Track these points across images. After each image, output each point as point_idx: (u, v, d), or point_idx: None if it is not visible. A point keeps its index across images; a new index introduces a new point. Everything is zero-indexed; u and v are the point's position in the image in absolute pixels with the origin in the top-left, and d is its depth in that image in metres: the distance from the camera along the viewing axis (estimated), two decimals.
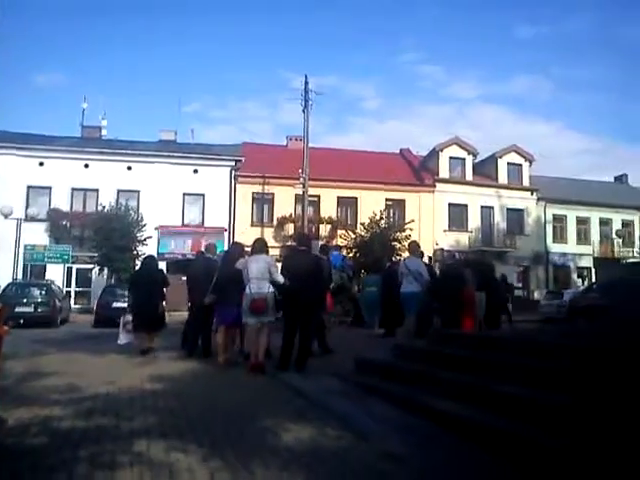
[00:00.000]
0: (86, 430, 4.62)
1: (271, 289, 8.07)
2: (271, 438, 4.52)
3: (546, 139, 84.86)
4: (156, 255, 28.78)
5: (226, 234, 31.16)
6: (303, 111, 29.03)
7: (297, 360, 8.01)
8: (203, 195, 31.95)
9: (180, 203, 31.67)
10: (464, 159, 36.34)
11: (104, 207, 28.22)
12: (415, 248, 11.38)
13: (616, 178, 45.27)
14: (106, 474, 3.57)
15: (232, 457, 3.95)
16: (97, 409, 5.43)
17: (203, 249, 11.14)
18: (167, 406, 5.72)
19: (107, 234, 26.52)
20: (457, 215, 35.29)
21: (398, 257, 27.05)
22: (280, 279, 8.08)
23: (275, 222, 32.34)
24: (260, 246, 8.58)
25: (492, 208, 36.01)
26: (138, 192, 30.96)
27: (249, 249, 9.85)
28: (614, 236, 36.29)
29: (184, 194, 31.68)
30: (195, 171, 32.04)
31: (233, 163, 32.48)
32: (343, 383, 7.03)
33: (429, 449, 4.23)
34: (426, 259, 14.30)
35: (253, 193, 32.52)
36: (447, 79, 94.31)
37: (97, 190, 30.51)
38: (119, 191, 30.52)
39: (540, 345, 5.59)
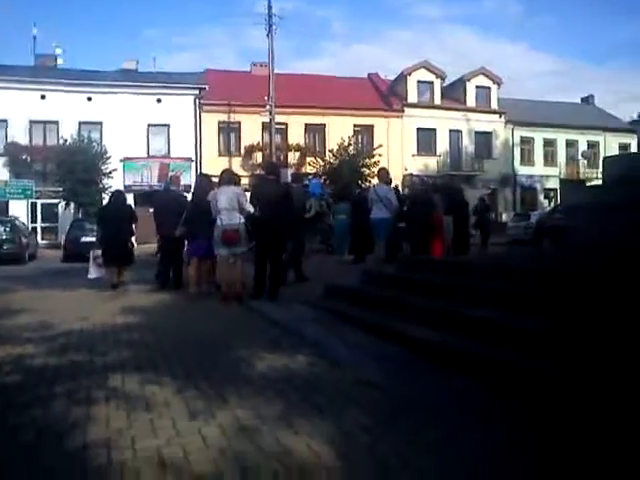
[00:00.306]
0: (60, 367, 4.62)
1: (242, 220, 8.05)
2: (245, 367, 4.58)
3: (512, 60, 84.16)
4: (122, 188, 28.74)
5: (193, 164, 30.71)
6: (267, 36, 28.19)
7: (269, 289, 8.13)
8: (168, 125, 31.19)
9: (144, 134, 30.91)
10: (432, 83, 35.97)
11: (66, 140, 27.42)
12: (384, 175, 11.34)
13: (582, 99, 45.32)
14: (82, 410, 3.58)
15: (207, 387, 4.00)
16: (71, 345, 5.43)
17: (168, 181, 10.94)
18: (141, 339, 5.74)
19: (70, 168, 25.92)
20: (426, 139, 35.21)
21: (367, 183, 27.14)
22: (250, 209, 8.06)
23: (242, 151, 31.91)
24: (228, 177, 8.49)
25: (460, 132, 35.99)
26: (100, 123, 30.10)
27: (217, 180, 9.79)
28: (580, 157, 36.69)
29: (148, 125, 30.89)
30: (159, 100, 31.13)
31: (197, 91, 31.63)
32: (315, 310, 7.14)
33: (403, 375, 4.32)
34: (394, 186, 14.21)
35: (219, 122, 31.89)
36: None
37: (57, 122, 29.57)
38: (80, 123, 29.60)
39: (509, 269, 5.69)
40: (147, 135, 31.03)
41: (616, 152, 38.86)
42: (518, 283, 5.30)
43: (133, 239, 10.91)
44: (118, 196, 11.00)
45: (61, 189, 26.55)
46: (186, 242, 9.76)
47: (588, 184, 29.39)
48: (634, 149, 39.62)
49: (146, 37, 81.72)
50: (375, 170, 27.51)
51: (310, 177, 19.38)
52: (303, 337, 5.65)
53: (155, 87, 31.14)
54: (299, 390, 3.93)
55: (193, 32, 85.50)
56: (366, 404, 3.63)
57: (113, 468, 2.76)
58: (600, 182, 30.41)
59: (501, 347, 4.26)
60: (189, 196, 11.01)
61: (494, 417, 3.38)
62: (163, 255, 10.14)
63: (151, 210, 10.77)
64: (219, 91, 30.97)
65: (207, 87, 31.39)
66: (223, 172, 8.69)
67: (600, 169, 35.61)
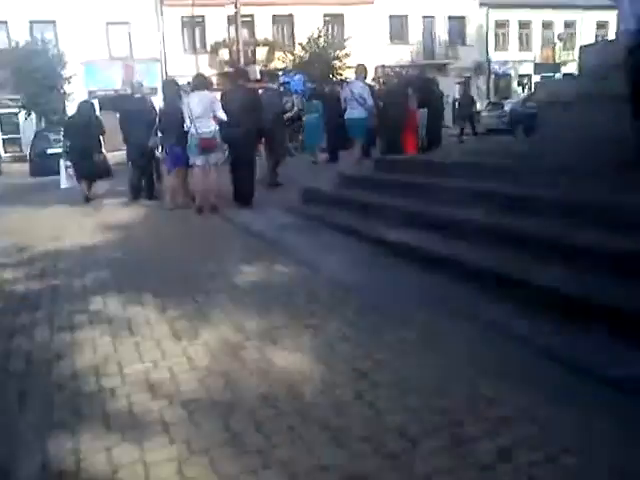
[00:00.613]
0: (40, 292, 4.62)
1: (216, 127, 7.87)
2: (226, 281, 4.61)
3: None
4: (85, 93, 27.65)
5: (158, 64, 29.48)
6: None
7: (244, 196, 8.13)
8: (128, 23, 29.42)
9: (104, 34, 29.14)
10: None
11: (17, 43, 25.85)
12: (361, 71, 10.87)
13: None
14: (66, 336, 3.62)
15: (189, 305, 4.05)
16: (48, 269, 5.40)
17: (132, 87, 10.49)
18: (119, 258, 5.71)
19: (28, 74, 24.63)
20: (398, 28, 33.91)
21: (339, 77, 26.47)
22: (223, 116, 7.83)
23: (209, 48, 30.52)
24: (201, 82, 8.20)
25: (433, 17, 34.60)
26: (54, 23, 28.21)
27: (185, 82, 9.53)
28: (556, 40, 35.80)
29: (107, 23, 29.06)
30: None
31: None
32: (294, 216, 7.14)
33: (381, 276, 4.42)
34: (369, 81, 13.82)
35: (182, 17, 30.19)
36: None
37: (5, 22, 27.60)
38: (32, 22, 27.73)
39: (482, 168, 5.66)
40: (107, 35, 29.36)
41: (594, 31, 38.09)
42: (493, 181, 5.29)
43: (103, 151, 10.58)
44: (84, 106, 10.57)
45: (19, 97, 25.32)
46: (158, 151, 9.57)
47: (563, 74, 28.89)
48: (612, 28, 38.68)
49: None
50: (347, 62, 26.82)
51: (292, 74, 18.64)
52: (282, 246, 5.67)
53: None
54: (280, 301, 3.99)
55: None
56: (345, 312, 3.70)
57: (104, 395, 2.82)
58: (575, 71, 30.02)
59: (473, 246, 4.32)
60: (156, 102, 10.66)
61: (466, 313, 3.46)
62: (134, 165, 9.91)
63: (118, 115, 10.39)
64: None
65: None
66: (196, 77, 8.39)
67: (576, 51, 35.25)
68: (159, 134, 8.91)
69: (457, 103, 20.62)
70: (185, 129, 7.96)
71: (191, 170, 8.30)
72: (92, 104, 11.16)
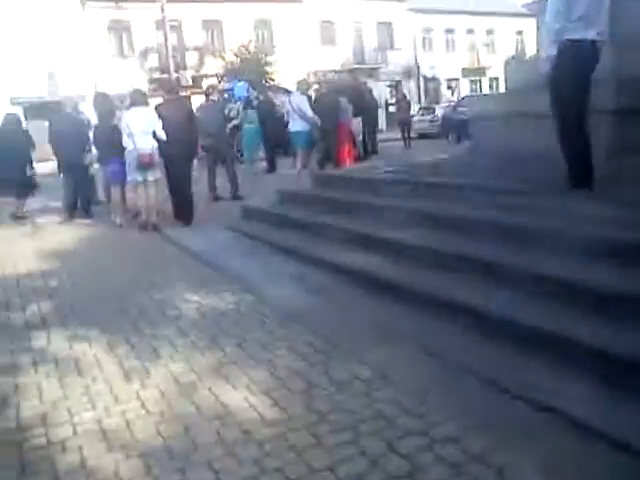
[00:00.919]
0: None
1: (155, 144, 7.83)
2: (173, 311, 4.58)
3: None
4: (7, 101, 26.54)
5: (85, 69, 28.61)
6: None
7: (184, 214, 8.09)
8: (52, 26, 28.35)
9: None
10: None
11: None
12: (303, 84, 11.00)
13: None
14: (10, 380, 3.52)
15: (137, 340, 4.00)
16: None
17: (64, 103, 10.21)
18: (60, 286, 5.58)
19: None
20: (329, 32, 34.26)
21: (272, 82, 26.47)
22: (162, 135, 7.78)
23: (137, 53, 29.89)
24: (140, 98, 8.13)
25: (363, 23, 35.15)
26: None
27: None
28: (479, 47, 37.03)
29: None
30: None
31: None
32: (234, 235, 7.16)
33: (326, 303, 4.49)
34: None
35: (108, 21, 29.42)
36: None
37: None
38: None
39: (418, 185, 5.83)
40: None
41: (513, 37, 39.74)
42: (434, 201, 5.45)
43: (33, 165, 10.21)
44: (12, 119, 10.21)
45: None
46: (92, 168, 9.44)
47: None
48: (528, 35, 40.37)
49: None
50: (278, 67, 26.91)
51: (235, 80, 18.61)
52: (226, 270, 5.65)
53: None
54: (230, 335, 3.99)
55: None
56: (295, 344, 3.74)
57: (54, 449, 2.76)
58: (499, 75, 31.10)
59: (421, 268, 4.45)
60: (89, 117, 10.43)
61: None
62: (68, 183, 9.63)
63: (46, 123, 10.13)
64: None
65: None
66: (134, 93, 8.31)
67: (499, 56, 36.60)
68: (94, 150, 8.76)
69: (396, 108, 20.97)
70: (123, 145, 7.91)
71: (132, 187, 8.19)
72: (18, 116, 10.78)
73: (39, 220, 9.59)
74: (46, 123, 10.09)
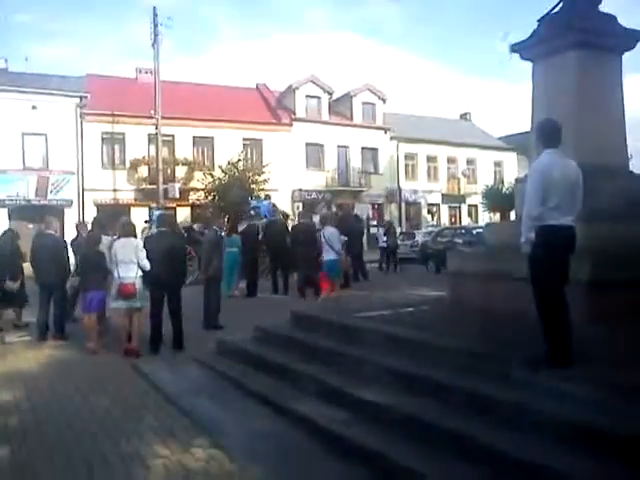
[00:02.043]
0: None
1: (139, 273, 8.12)
2: (139, 468, 4.41)
3: (395, 66, 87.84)
4: None
5: (74, 177, 29.22)
6: (153, 46, 27.35)
7: (173, 342, 8.35)
8: (45, 135, 29.22)
9: (19, 143, 28.73)
10: (320, 98, 36.42)
11: None
12: (329, 217, 12.19)
13: (461, 116, 47.80)
14: None
15: None
16: None
17: (43, 225, 10.41)
18: (20, 427, 5.36)
19: None
20: (314, 155, 35.63)
21: (257, 198, 27.08)
22: (146, 264, 8.09)
23: (128, 164, 30.68)
24: (128, 229, 8.45)
25: (348, 147, 36.71)
26: None
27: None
28: (460, 175, 38.63)
29: (23, 133, 28.74)
30: (34, 107, 29.00)
31: (78, 99, 29.97)
32: (208, 374, 7.04)
33: (295, 467, 4.35)
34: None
35: (102, 132, 30.40)
36: (302, 3, 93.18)
37: None
38: None
39: (401, 341, 5.85)
40: (22, 145, 28.94)
41: (492, 169, 41.65)
42: (409, 358, 5.46)
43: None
44: (7, 235, 10.58)
45: None
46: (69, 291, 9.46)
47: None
48: (507, 166, 42.42)
49: (16, 21, 75.37)
50: (265, 187, 27.66)
51: (261, 199, 20.26)
52: (197, 418, 5.51)
53: (30, 92, 28.96)
54: None
55: (68, 19, 79.61)
56: None
57: None
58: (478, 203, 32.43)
59: (399, 437, 4.36)
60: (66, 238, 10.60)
61: None
62: (44, 300, 9.54)
63: (30, 226, 10.34)
64: (102, 99, 29.54)
65: (89, 95, 29.83)
66: (124, 224, 8.65)
67: (478, 184, 38.24)
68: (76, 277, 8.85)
69: (384, 236, 21.63)
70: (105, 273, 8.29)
71: (116, 313, 8.41)
72: (14, 233, 10.95)
73: (9, 339, 9.39)
74: (30, 225, 10.34)
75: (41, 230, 10.11)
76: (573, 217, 4.54)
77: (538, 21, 7.05)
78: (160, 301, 8.33)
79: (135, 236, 8.51)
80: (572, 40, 6.58)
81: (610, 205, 6.10)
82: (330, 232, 11.15)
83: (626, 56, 7.01)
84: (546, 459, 3.49)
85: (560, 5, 6.87)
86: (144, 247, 8.21)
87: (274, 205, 19.09)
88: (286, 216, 18.36)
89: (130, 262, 8.01)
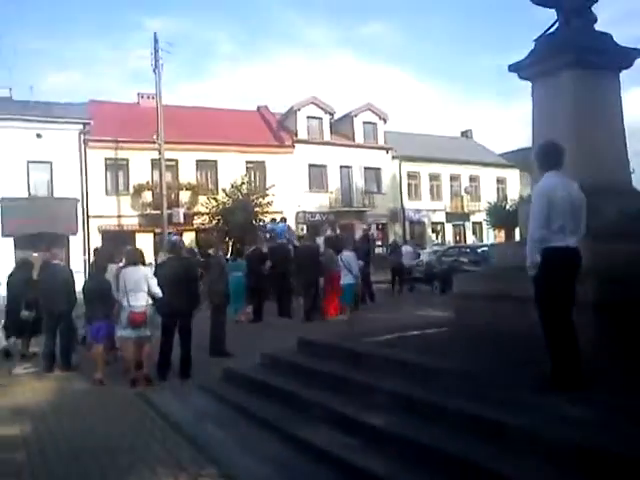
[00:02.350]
0: None
1: (150, 301, 8.11)
2: None
3: (395, 85, 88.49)
4: (0, 229, 26.91)
5: (79, 204, 29.37)
6: (154, 71, 27.64)
7: (181, 370, 8.33)
8: (50, 162, 29.40)
9: (24, 171, 28.92)
10: (321, 119, 36.65)
11: None
12: (350, 242, 13.04)
13: (462, 133, 48.00)
14: None
15: None
16: None
17: (48, 254, 10.46)
18: (28, 462, 5.30)
19: None
20: (317, 176, 35.78)
21: (261, 222, 27.17)
22: (158, 292, 8.10)
23: (132, 190, 30.84)
24: (135, 257, 8.47)
25: (350, 167, 36.83)
26: None
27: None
28: (463, 193, 38.64)
29: (28, 162, 28.95)
30: (39, 135, 29.24)
31: (81, 126, 30.19)
32: (214, 401, 7.02)
33: None
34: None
35: (106, 159, 30.61)
36: (301, 23, 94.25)
37: None
38: None
39: (409, 366, 5.81)
40: (27, 172, 29.15)
41: (494, 186, 41.67)
42: (416, 383, 5.42)
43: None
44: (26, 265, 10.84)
45: None
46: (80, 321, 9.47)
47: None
48: (510, 183, 42.46)
49: (21, 49, 76.05)
50: (269, 209, 27.77)
51: (276, 222, 20.58)
52: (204, 448, 5.46)
53: (34, 121, 29.21)
54: None
55: (72, 47, 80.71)
56: None
57: None
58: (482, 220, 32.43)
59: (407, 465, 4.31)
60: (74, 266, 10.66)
61: None
62: (49, 332, 9.52)
63: (35, 254, 10.43)
64: (105, 125, 29.73)
65: (92, 122, 30.07)
66: (131, 252, 8.74)
67: (482, 202, 38.27)
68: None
69: (389, 254, 21.82)
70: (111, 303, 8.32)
71: (124, 343, 8.37)
72: (29, 263, 11.08)
73: (15, 370, 9.36)
74: (34, 254, 10.41)
75: (47, 259, 10.12)
76: (578, 238, 4.54)
77: (535, 41, 7.09)
78: (172, 328, 8.39)
79: (143, 263, 8.52)
80: (568, 59, 6.62)
81: (614, 223, 6.08)
82: (348, 256, 11.25)
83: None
84: None
85: (556, 25, 6.92)
86: (155, 274, 8.25)
87: (289, 227, 19.40)
88: (301, 238, 18.57)
89: (140, 290, 8.01)
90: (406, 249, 21.55)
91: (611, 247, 5.78)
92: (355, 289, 10.66)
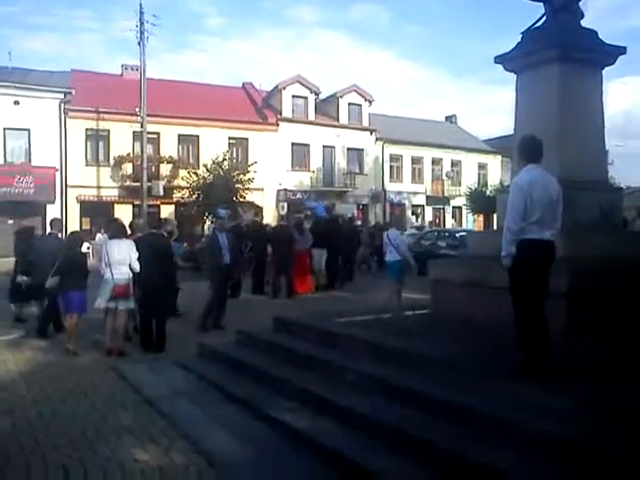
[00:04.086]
0: None
1: (130, 275, 8.22)
2: (117, 472, 4.41)
3: (382, 66, 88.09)
4: None
5: (58, 173, 28.96)
6: (139, 43, 27.24)
7: (156, 344, 8.43)
8: (28, 130, 28.90)
9: (1, 138, 28.45)
10: (307, 98, 36.42)
11: None
12: (397, 221, 13.01)
13: (447, 118, 48.06)
14: None
15: None
16: None
17: (48, 225, 10.60)
18: None
19: None
20: (300, 155, 35.65)
21: (242, 199, 27.06)
22: (137, 266, 8.19)
23: (112, 161, 30.48)
24: (119, 230, 8.55)
25: (333, 148, 36.78)
26: None
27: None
28: (444, 177, 38.82)
29: (5, 128, 28.43)
30: (16, 102, 28.64)
31: (62, 95, 29.67)
32: (189, 376, 7.04)
33: (278, 477, 4.38)
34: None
35: (87, 129, 30.19)
36: (290, 2, 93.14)
37: None
38: None
39: (380, 348, 5.90)
40: (4, 139, 28.64)
41: (476, 171, 41.89)
42: (389, 366, 5.52)
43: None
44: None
45: None
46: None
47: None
48: (491, 169, 42.76)
49: None
50: (250, 186, 27.63)
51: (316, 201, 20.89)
52: (177, 422, 5.50)
53: (12, 87, 28.57)
54: None
55: (53, 12, 78.78)
56: None
57: None
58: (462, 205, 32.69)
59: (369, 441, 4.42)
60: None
61: None
62: (42, 299, 9.72)
63: (10, 222, 10.40)
64: (86, 95, 29.26)
65: (73, 91, 29.54)
66: (115, 224, 8.83)
67: (463, 186, 38.52)
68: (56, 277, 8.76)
69: (370, 236, 21.92)
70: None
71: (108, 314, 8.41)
72: (32, 231, 11.28)
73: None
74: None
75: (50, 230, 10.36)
76: (553, 232, 4.63)
77: (522, 34, 7.14)
78: (149, 302, 8.47)
79: (127, 237, 8.53)
80: (554, 54, 6.68)
81: (589, 217, 6.20)
82: (394, 234, 11.51)
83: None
84: (523, 473, 3.53)
85: (544, 19, 6.96)
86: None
87: (329, 207, 19.73)
88: (339, 217, 19.10)
89: (123, 263, 8.11)
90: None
91: (585, 240, 5.91)
92: (402, 266, 10.80)
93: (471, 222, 38.41)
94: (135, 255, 8.18)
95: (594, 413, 3.90)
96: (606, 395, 4.06)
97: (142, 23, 26.90)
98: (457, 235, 20.66)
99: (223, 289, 10.19)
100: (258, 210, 17.82)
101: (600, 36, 6.99)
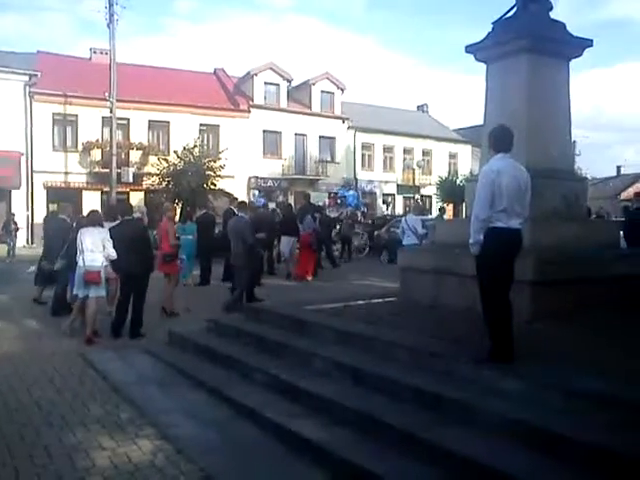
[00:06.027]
0: None
1: (104, 263, 8.22)
2: (83, 461, 4.38)
3: (356, 54, 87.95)
4: None
5: (23, 159, 28.35)
6: (108, 26, 26.68)
7: (130, 330, 8.37)
8: None
9: None
10: (279, 85, 36.20)
11: None
12: (417, 207, 13.81)
13: (418, 107, 48.26)
14: None
15: None
16: None
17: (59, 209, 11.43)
18: None
19: None
20: (272, 142, 35.48)
21: (213, 187, 26.83)
22: (113, 253, 8.21)
23: (80, 147, 29.93)
24: (95, 219, 8.58)
25: (306, 136, 36.66)
26: None
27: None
28: (415, 166, 39.03)
29: None
30: None
31: (27, 77, 28.94)
32: (158, 364, 7.02)
33: (242, 460, 4.40)
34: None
35: (54, 113, 29.54)
36: None
37: None
38: None
39: (350, 335, 5.95)
40: None
41: (447, 160, 42.26)
42: (358, 352, 5.57)
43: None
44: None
45: None
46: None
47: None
48: (462, 158, 43.16)
49: None
50: (221, 173, 27.40)
51: (346, 189, 20.94)
52: (145, 409, 5.49)
53: None
54: None
55: None
56: None
57: None
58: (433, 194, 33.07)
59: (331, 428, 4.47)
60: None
61: None
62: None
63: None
64: (54, 78, 28.63)
65: (39, 74, 28.86)
66: (90, 213, 8.86)
67: (433, 176, 38.84)
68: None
69: (340, 225, 22.04)
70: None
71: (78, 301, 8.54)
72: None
73: None
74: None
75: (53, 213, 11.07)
76: (521, 220, 4.69)
77: (493, 24, 7.19)
78: (127, 289, 8.49)
79: (101, 225, 8.52)
80: (523, 45, 6.75)
81: (554, 207, 6.32)
82: (413, 219, 11.96)
83: None
84: (489, 457, 3.60)
85: (514, 10, 7.02)
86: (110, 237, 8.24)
87: (359, 196, 19.91)
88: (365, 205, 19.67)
89: (96, 251, 8.12)
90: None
91: (550, 229, 6.01)
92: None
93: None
94: (110, 243, 8.19)
95: (553, 398, 3.98)
96: (564, 379, 4.15)
97: (111, 5, 26.32)
98: (427, 223, 20.83)
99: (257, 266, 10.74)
100: (233, 198, 17.33)
101: (568, 28, 7.08)
